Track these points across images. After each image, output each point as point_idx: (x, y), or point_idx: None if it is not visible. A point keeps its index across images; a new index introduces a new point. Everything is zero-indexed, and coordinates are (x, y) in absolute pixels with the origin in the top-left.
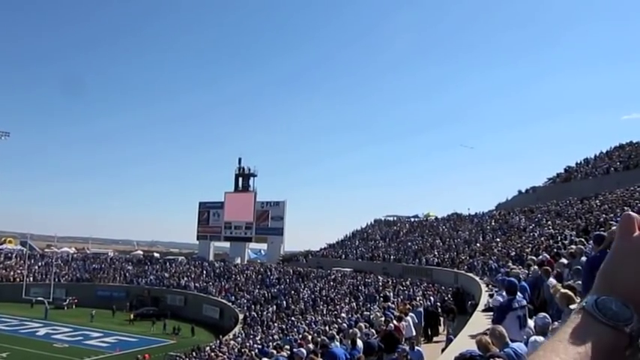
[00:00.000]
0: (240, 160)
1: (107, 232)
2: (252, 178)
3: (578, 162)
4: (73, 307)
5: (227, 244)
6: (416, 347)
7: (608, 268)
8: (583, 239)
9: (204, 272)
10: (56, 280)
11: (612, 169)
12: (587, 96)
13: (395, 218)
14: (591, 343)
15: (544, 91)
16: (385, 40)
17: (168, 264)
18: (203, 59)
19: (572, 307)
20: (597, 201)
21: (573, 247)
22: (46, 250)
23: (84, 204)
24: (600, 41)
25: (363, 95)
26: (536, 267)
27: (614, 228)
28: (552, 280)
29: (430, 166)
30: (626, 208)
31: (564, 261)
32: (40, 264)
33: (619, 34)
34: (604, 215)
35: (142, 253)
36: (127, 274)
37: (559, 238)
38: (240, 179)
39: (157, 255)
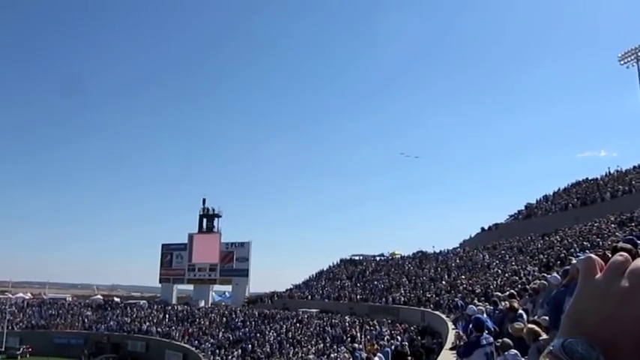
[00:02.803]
0: (204, 200)
1: (65, 276)
2: (216, 219)
3: (538, 199)
4: (27, 356)
5: (191, 287)
6: None
7: (573, 311)
8: (545, 274)
9: (167, 316)
10: (9, 327)
11: (570, 205)
12: (543, 136)
13: (361, 257)
14: None
15: (501, 131)
16: (346, 80)
17: (129, 308)
18: (164, 100)
19: (541, 339)
20: (557, 237)
21: (537, 282)
22: None
23: (41, 248)
24: (552, 84)
25: (325, 135)
26: (506, 302)
27: (574, 262)
28: (523, 313)
29: (394, 206)
30: (585, 243)
31: (528, 296)
32: None
33: (568, 77)
34: (564, 251)
35: (101, 297)
36: (86, 320)
37: (522, 273)
38: (205, 220)
39: (117, 299)
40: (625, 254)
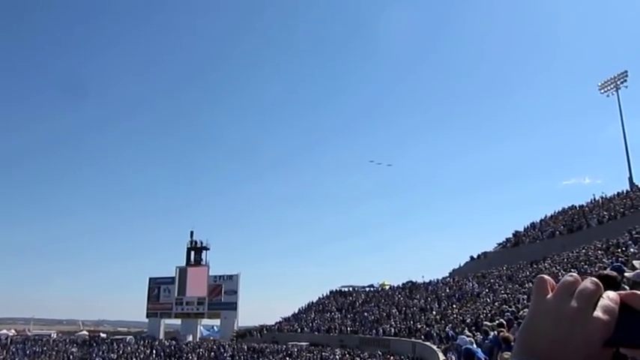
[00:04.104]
0: (192, 233)
1: (51, 311)
2: (204, 252)
3: (526, 227)
4: None
5: (178, 322)
6: None
7: (524, 332)
8: None
9: (154, 352)
10: None
11: (557, 232)
12: (528, 163)
13: (350, 288)
14: None
15: (487, 159)
16: (332, 106)
17: (115, 344)
18: (149, 131)
19: None
20: (546, 264)
21: (526, 310)
22: None
23: (25, 283)
24: (535, 112)
25: (312, 166)
26: (495, 332)
27: None
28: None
29: (383, 236)
30: (573, 270)
31: (517, 325)
32: None
33: (551, 106)
34: (553, 279)
35: (87, 333)
36: (71, 357)
37: (512, 302)
38: (193, 253)
39: (103, 335)
40: (575, 275)
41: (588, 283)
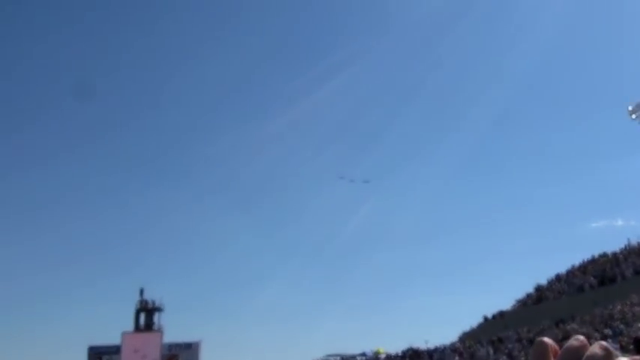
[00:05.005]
0: (141, 291)
1: None
2: (157, 314)
3: (550, 279)
4: None
5: None
6: None
7: None
8: None
9: None
10: None
11: (587, 285)
12: (550, 204)
13: (338, 358)
14: None
15: (504, 200)
16: (311, 151)
17: None
18: (95, 166)
19: None
20: (574, 324)
21: None
22: None
23: None
24: (558, 147)
25: (295, 210)
26: None
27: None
28: None
29: (378, 292)
30: (606, 330)
31: None
32: None
33: (576, 139)
34: None
35: None
36: None
37: None
38: (143, 315)
39: None
40: (581, 337)
41: (597, 348)
